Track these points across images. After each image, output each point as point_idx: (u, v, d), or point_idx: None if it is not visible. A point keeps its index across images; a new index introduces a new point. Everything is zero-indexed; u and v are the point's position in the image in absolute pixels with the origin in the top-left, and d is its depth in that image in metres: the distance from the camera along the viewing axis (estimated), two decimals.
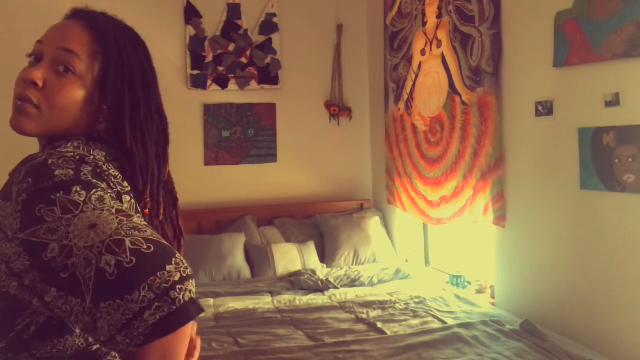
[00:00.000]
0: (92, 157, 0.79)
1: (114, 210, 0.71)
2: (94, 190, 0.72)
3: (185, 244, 1.04)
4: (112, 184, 0.78)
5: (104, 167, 0.79)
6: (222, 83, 4.10)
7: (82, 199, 0.70)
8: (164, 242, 0.70)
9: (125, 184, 0.83)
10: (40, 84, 0.83)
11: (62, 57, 0.84)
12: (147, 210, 0.88)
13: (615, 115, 2.18)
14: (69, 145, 0.84)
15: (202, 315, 3.06)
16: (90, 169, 0.75)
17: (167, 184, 0.97)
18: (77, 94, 0.85)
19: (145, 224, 0.72)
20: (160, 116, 0.95)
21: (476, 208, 2.99)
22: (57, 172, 0.72)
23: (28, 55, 0.88)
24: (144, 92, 0.91)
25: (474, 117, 2.99)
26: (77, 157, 0.76)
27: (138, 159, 0.87)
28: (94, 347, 0.81)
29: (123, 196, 0.80)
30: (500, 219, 2.84)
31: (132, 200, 0.82)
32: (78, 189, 0.71)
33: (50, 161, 0.74)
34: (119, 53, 0.88)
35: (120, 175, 0.83)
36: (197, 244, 3.59)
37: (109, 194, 0.74)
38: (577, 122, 2.35)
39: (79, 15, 0.90)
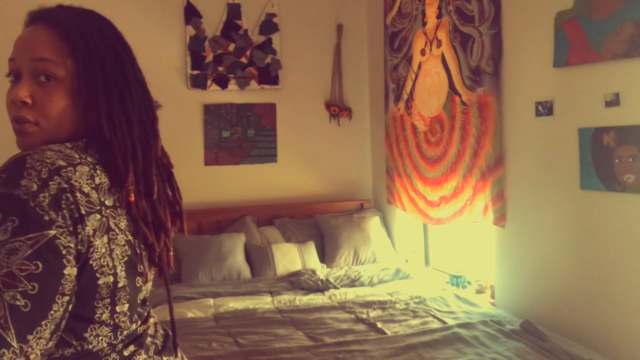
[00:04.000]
0: (70, 169, 0.78)
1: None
2: (18, 235, 0.72)
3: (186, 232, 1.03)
4: (76, 209, 0.76)
5: (77, 183, 0.78)
6: (222, 83, 4.10)
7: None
8: None
9: (106, 197, 0.82)
10: (29, 101, 0.83)
11: (39, 67, 0.84)
12: (133, 198, 0.86)
13: (615, 115, 2.18)
14: (67, 143, 0.84)
15: (202, 315, 3.06)
16: (54, 192, 0.74)
17: (161, 159, 0.96)
18: (66, 97, 0.85)
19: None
20: (144, 93, 0.93)
21: (476, 208, 2.99)
22: (22, 182, 0.73)
23: (6, 75, 0.88)
24: (121, 74, 0.89)
25: (473, 117, 2.99)
26: (54, 167, 0.76)
27: (117, 148, 0.86)
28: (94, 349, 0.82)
29: (91, 216, 0.79)
30: (500, 219, 2.84)
31: (104, 218, 0.81)
32: (10, 222, 0.72)
33: (29, 161, 0.75)
34: (86, 44, 0.87)
35: (106, 181, 0.83)
36: (197, 244, 3.59)
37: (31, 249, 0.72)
38: (577, 122, 2.35)
39: (36, 18, 0.89)
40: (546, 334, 2.34)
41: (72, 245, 0.75)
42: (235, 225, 3.95)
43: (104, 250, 0.80)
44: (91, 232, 0.78)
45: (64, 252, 0.74)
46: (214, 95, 4.11)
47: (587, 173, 2.30)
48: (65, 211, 0.75)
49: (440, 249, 3.88)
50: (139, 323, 0.90)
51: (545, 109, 2.53)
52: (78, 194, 0.77)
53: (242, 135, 4.18)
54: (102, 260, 0.80)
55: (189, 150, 4.06)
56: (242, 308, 2.94)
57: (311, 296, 3.17)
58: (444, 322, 2.61)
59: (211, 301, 3.07)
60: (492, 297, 3.05)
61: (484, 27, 2.88)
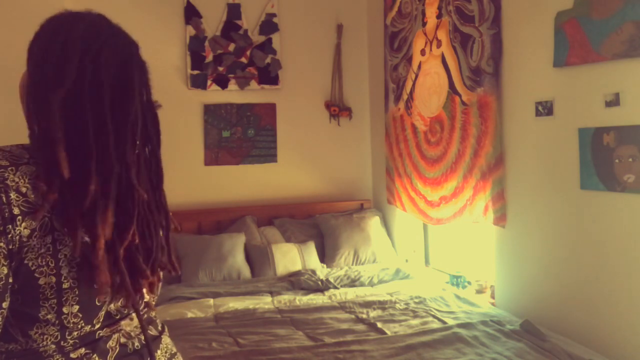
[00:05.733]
0: (10, 169, 0.78)
1: None
2: None
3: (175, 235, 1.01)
4: (8, 209, 0.76)
5: (13, 183, 0.77)
6: (222, 83, 4.10)
7: None
8: None
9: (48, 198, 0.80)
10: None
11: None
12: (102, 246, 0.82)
13: (615, 115, 2.18)
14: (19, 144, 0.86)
15: (202, 315, 3.06)
16: None
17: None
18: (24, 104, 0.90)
19: None
20: (100, 111, 0.84)
21: (476, 208, 2.99)
22: None
23: None
24: (55, 80, 0.82)
25: (473, 117, 2.99)
26: None
27: (43, 157, 0.81)
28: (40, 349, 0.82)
29: (28, 216, 0.77)
30: (500, 219, 2.84)
31: (45, 218, 0.79)
32: None
33: None
34: (32, 57, 0.87)
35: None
36: (197, 244, 3.59)
37: None
38: (577, 122, 2.35)
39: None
40: (546, 334, 2.34)
41: (1, 244, 0.75)
42: (235, 225, 3.95)
43: (43, 250, 0.79)
44: (27, 232, 0.77)
45: None
46: (214, 95, 4.11)
47: (587, 173, 2.30)
48: (6, 201, 0.76)
49: (440, 249, 3.88)
50: (97, 325, 0.86)
51: (545, 109, 2.53)
52: (12, 194, 0.77)
53: (242, 135, 4.18)
54: (39, 260, 0.78)
55: (189, 150, 4.06)
56: (242, 308, 2.94)
57: (311, 296, 3.17)
58: (444, 322, 2.61)
59: (211, 301, 3.07)
60: (492, 297, 3.05)
61: (484, 27, 2.88)
